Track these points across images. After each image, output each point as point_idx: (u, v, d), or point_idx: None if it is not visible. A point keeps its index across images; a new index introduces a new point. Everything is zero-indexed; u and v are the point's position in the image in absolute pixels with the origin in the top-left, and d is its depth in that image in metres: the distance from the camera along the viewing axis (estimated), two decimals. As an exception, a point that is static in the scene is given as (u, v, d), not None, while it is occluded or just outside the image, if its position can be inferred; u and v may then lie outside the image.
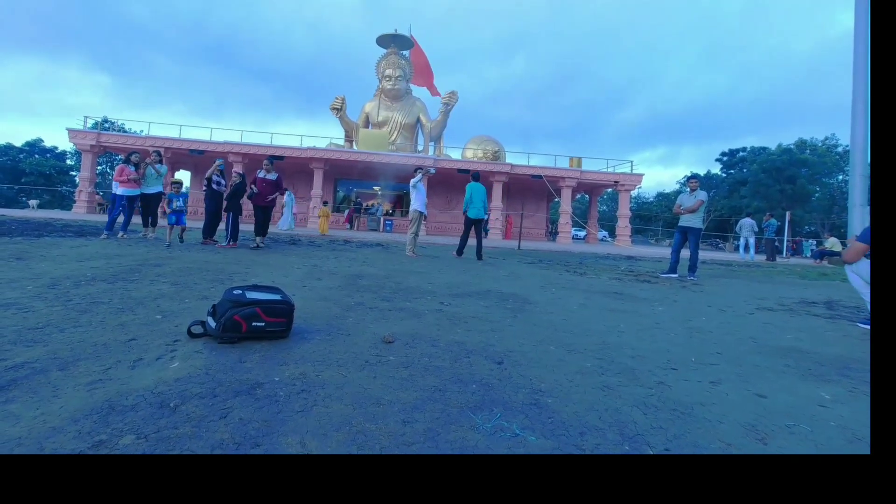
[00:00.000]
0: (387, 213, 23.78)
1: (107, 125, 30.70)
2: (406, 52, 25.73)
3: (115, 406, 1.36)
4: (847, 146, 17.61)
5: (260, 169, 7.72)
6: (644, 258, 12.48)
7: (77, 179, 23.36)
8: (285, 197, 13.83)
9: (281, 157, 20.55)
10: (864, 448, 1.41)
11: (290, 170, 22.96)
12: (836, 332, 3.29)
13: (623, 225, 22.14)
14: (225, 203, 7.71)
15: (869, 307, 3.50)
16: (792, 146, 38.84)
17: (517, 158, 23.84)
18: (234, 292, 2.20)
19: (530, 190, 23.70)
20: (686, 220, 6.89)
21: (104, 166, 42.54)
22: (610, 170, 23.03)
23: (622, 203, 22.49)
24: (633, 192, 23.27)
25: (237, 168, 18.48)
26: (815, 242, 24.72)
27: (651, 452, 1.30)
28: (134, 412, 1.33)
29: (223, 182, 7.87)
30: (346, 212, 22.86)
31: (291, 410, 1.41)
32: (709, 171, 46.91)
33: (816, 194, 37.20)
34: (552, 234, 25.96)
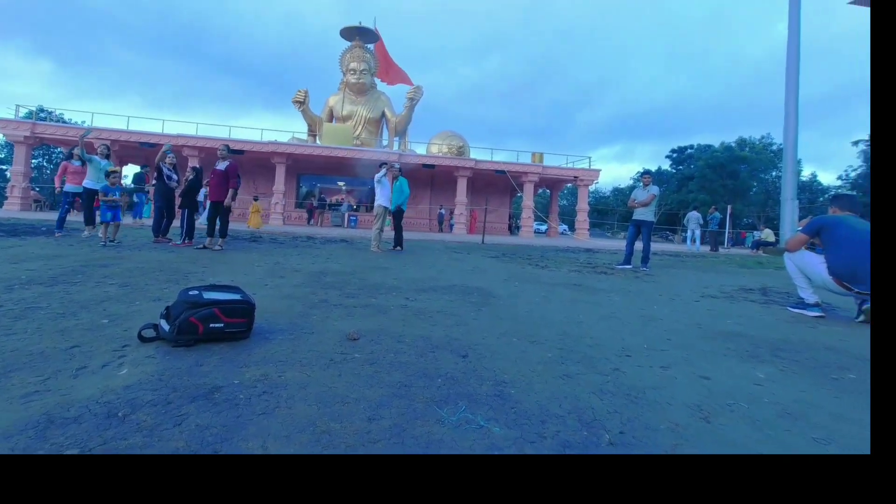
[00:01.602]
0: (352, 209, 23.37)
1: (43, 115, 28.16)
2: (371, 46, 25.19)
3: (55, 419, 1.26)
4: (781, 144, 18.90)
5: (219, 160, 7.03)
6: (601, 250, 12.95)
7: (8, 174, 21.37)
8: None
9: (241, 152, 19.70)
10: (790, 421, 1.52)
11: (250, 164, 22.05)
12: (770, 316, 3.54)
13: (582, 219, 22.85)
14: (179, 199, 7.29)
15: (799, 292, 3.79)
16: (733, 144, 41.35)
17: (481, 154, 23.99)
18: (190, 293, 2.09)
19: (494, 185, 23.96)
20: (639, 214, 7.18)
21: (40, 159, 39.18)
22: (570, 165, 23.66)
23: (581, 197, 23.18)
24: (591, 187, 24.05)
25: (193, 162, 17.57)
26: (758, 234, 26.50)
27: (607, 436, 1.35)
28: (77, 424, 1.24)
29: (175, 177, 7.41)
30: (306, 207, 22.18)
31: (252, 413, 1.36)
32: (660, 167, 49.15)
33: (754, 189, 39.83)
34: (515, 228, 26.39)
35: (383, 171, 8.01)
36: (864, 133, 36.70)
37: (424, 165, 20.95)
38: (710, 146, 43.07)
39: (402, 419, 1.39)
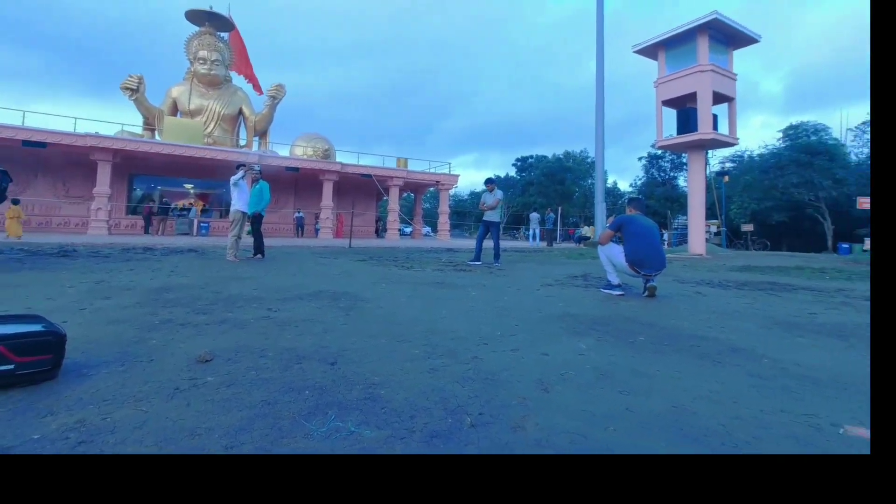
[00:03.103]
0: (202, 212, 20.35)
1: None
2: (225, 35, 22.19)
3: None
4: (594, 157, 22.62)
5: None
6: (461, 249, 13.82)
7: None
8: None
9: (42, 145, 15.49)
10: (604, 381, 1.85)
11: (59, 161, 17.53)
12: (589, 298, 4.24)
13: (443, 221, 24.04)
14: None
15: (607, 276, 4.63)
16: (561, 156, 48.46)
17: (347, 158, 23.36)
18: (-42, 330, 1.54)
19: (360, 189, 23.57)
20: (488, 216, 7.74)
21: None
22: (432, 170, 24.63)
23: (442, 201, 24.37)
24: (451, 191, 25.46)
25: (-38, 157, 13.20)
26: (580, 231, 31.38)
27: (469, 419, 1.44)
28: None
29: None
30: (142, 212, 18.43)
31: (63, 471, 1.07)
32: (507, 174, 54.75)
33: (577, 193, 47.26)
34: (382, 231, 26.40)
35: (241, 173, 7.20)
36: (644, 151, 46.84)
37: (288, 168, 19.45)
38: (545, 157, 49.69)
39: (266, 441, 1.26)
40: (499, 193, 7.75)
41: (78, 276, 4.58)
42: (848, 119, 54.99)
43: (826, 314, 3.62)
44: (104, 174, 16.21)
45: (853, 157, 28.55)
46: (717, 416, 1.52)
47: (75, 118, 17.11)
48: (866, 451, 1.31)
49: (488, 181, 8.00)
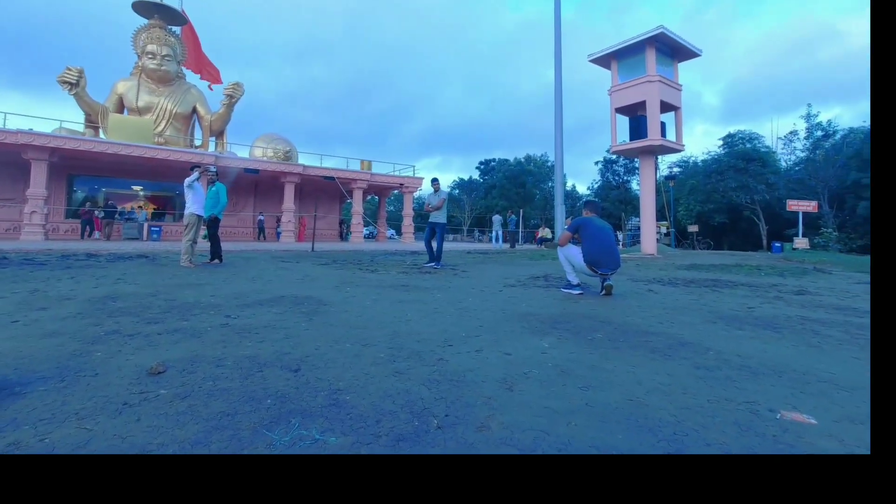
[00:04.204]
0: (154, 216, 19.13)
1: None
2: (177, 29, 20.96)
3: None
4: (553, 161, 23.26)
5: None
6: (425, 252, 13.81)
7: None
8: None
9: (-38, 142, 14.03)
10: (565, 377, 1.91)
11: (-18, 160, 15.94)
12: (550, 297, 4.36)
13: (407, 223, 23.89)
14: None
15: (567, 276, 4.77)
16: (522, 160, 49.54)
17: (310, 159, 22.71)
18: None
19: (323, 191, 23.01)
20: (434, 217, 7.49)
21: None
22: (396, 173, 24.44)
23: (406, 203, 24.22)
24: (415, 194, 25.35)
25: None
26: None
27: (435, 421, 1.44)
28: None
29: None
30: (81, 215, 16.91)
31: (-8, 500, 0.97)
32: (471, 177, 55.31)
33: (537, 196, 48.49)
34: (346, 234, 25.89)
35: (195, 174, 6.84)
36: (600, 156, 48.85)
37: (247, 170, 18.67)
38: (506, 160, 50.59)
39: (225, 454, 1.20)
40: (443, 193, 7.53)
41: (9, 286, 4.17)
42: (778, 128, 59.96)
43: (762, 308, 3.92)
44: (39, 174, 14.89)
45: (783, 164, 31.14)
46: (668, 406, 1.61)
47: (5, 113, 15.56)
48: (803, 434, 1.43)
49: (434, 180, 7.75)
